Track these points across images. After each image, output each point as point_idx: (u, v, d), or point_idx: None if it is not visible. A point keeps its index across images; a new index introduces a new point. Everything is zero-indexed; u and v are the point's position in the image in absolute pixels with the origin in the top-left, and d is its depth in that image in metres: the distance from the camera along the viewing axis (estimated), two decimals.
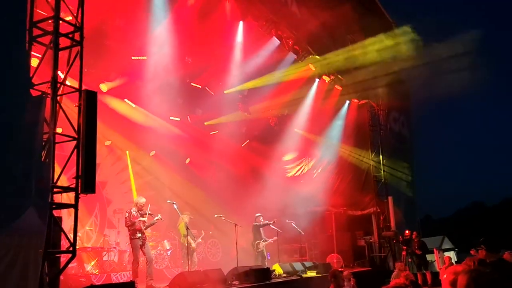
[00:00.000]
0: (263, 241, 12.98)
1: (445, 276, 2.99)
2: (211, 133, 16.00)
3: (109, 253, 11.66)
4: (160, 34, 11.54)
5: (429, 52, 15.94)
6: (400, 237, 15.56)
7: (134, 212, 9.98)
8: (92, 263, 11.10)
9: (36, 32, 6.68)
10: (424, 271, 14.02)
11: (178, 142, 14.58)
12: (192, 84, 14.15)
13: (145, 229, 10.11)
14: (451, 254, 16.12)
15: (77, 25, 6.83)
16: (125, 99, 13.19)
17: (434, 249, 15.35)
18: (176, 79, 13.26)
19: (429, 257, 15.07)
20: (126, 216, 9.93)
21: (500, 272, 3.05)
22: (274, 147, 17.49)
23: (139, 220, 9.89)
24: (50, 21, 6.73)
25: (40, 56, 6.82)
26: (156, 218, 10.34)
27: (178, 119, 14.75)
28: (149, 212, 10.28)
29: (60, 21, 6.72)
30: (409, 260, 14.55)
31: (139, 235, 9.84)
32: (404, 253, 14.79)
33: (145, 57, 12.02)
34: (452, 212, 61.88)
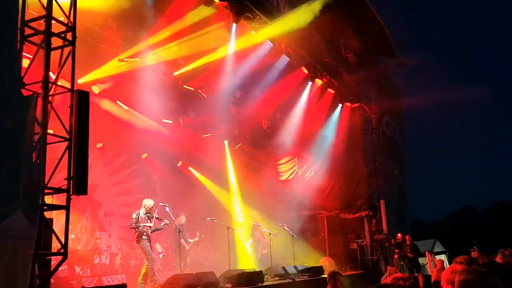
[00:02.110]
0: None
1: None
2: (203, 136, 15.94)
3: (100, 256, 11.57)
4: (152, 35, 11.48)
5: None
6: (392, 240, 15.60)
7: (143, 215, 9.99)
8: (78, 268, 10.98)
9: (27, 31, 6.60)
10: (416, 274, 14.04)
11: (170, 145, 14.50)
12: (184, 86, 14.09)
13: (151, 233, 10.11)
14: (443, 257, 16.19)
15: (69, 24, 6.77)
16: (117, 101, 13.10)
17: (426, 252, 15.40)
18: (169, 81, 13.22)
19: (420, 260, 15.12)
20: (134, 217, 9.91)
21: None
22: (266, 151, 17.47)
23: (144, 226, 9.89)
24: (41, 21, 6.66)
25: (31, 56, 6.75)
26: (163, 223, 10.41)
27: (171, 121, 14.68)
28: (157, 216, 10.27)
29: (53, 21, 6.65)
30: (401, 263, 14.59)
31: (145, 237, 9.87)
32: (396, 256, 14.82)
33: (137, 59, 11.95)
34: (443, 216, 62.24)
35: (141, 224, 9.93)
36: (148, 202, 10.20)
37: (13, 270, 5.65)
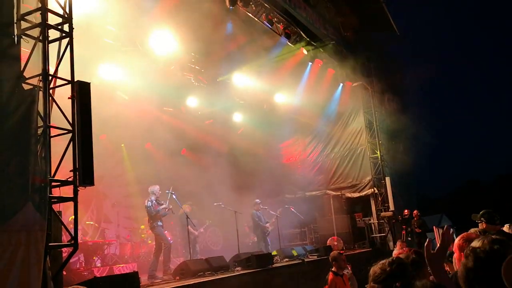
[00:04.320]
0: (268, 228, 13.12)
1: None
2: (206, 122, 15.94)
3: (110, 246, 11.67)
4: (150, 24, 11.40)
5: None
6: (399, 216, 15.67)
7: (155, 201, 10.08)
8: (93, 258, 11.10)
9: (24, 25, 6.56)
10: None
11: (172, 133, 14.50)
12: (184, 73, 14.03)
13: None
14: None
15: (66, 15, 6.73)
16: (118, 92, 13.06)
17: (434, 227, 15.42)
18: (168, 69, 13.16)
19: (428, 235, 15.18)
20: (150, 205, 9.98)
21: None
22: (270, 133, 17.46)
23: (163, 208, 10.11)
24: (38, 14, 6.61)
25: (28, 51, 6.71)
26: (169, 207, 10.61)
27: (172, 109, 14.67)
28: (163, 203, 10.45)
29: (49, 13, 6.61)
30: (409, 239, 14.68)
31: (160, 223, 10.04)
32: (403, 232, 14.91)
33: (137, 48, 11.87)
34: (449, 191, 62.20)
35: (160, 208, 10.08)
36: (156, 188, 10.29)
37: (26, 263, 5.71)
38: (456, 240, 3.07)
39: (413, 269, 2.65)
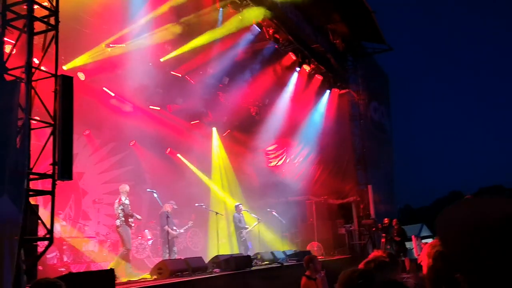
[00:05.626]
0: (245, 230, 13.04)
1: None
2: (191, 122, 15.91)
3: (88, 243, 11.58)
4: (138, 21, 11.37)
5: None
6: (379, 224, 15.78)
7: (125, 200, 10.05)
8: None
9: (9, 16, 6.52)
10: (403, 258, 14.23)
11: (158, 132, 14.47)
12: (171, 72, 14.01)
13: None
14: (429, 241, 16.42)
15: (52, 8, 6.69)
16: (104, 88, 13.01)
17: (412, 236, 15.59)
18: (156, 67, 13.13)
19: (408, 244, 15.32)
20: (127, 203, 9.96)
21: None
22: (255, 137, 17.49)
23: (136, 217, 10.28)
24: (24, 5, 6.57)
25: (13, 41, 6.66)
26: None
27: (158, 108, 14.63)
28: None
29: (35, 6, 6.58)
30: (388, 247, 14.78)
31: (131, 219, 10.08)
32: (383, 240, 15.01)
33: (124, 45, 11.84)
34: (431, 201, 62.78)
35: (135, 214, 10.08)
36: (126, 188, 10.30)
37: (0, 255, 5.64)
38: (426, 249, 3.12)
39: (377, 270, 2.70)
